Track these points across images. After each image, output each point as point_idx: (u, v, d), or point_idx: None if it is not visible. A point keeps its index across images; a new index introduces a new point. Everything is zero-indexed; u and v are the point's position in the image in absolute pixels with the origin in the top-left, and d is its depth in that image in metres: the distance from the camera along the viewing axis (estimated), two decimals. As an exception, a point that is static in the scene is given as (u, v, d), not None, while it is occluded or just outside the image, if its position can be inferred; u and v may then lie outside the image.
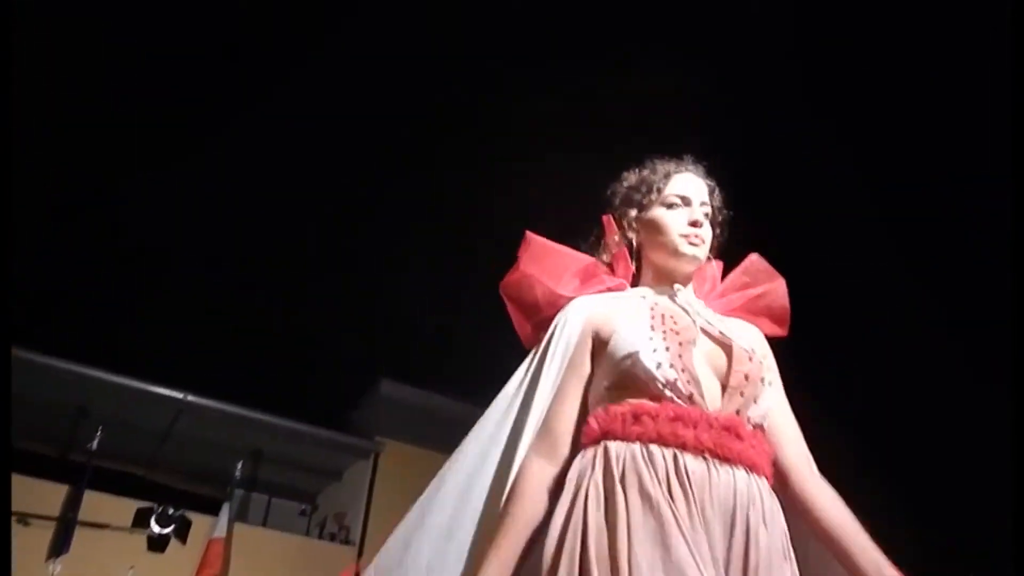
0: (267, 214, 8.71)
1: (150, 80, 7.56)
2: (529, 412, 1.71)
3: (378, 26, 7.30)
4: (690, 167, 1.88)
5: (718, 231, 1.87)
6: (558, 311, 1.82)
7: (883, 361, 8.34)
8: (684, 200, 1.80)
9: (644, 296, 1.78)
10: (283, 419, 9.06)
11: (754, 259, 1.94)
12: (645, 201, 1.83)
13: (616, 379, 1.62)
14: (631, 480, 1.49)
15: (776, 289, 1.91)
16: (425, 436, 9.33)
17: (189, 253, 9.12)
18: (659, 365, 1.58)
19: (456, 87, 7.62)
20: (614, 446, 1.55)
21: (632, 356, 1.60)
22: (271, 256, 9.04)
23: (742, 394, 1.60)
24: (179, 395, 8.50)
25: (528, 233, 1.91)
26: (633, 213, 1.84)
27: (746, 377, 1.62)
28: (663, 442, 1.52)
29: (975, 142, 6.89)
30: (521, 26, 7.13)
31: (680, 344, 1.62)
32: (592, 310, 1.75)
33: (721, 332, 1.71)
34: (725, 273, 1.94)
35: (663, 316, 1.68)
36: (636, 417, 1.56)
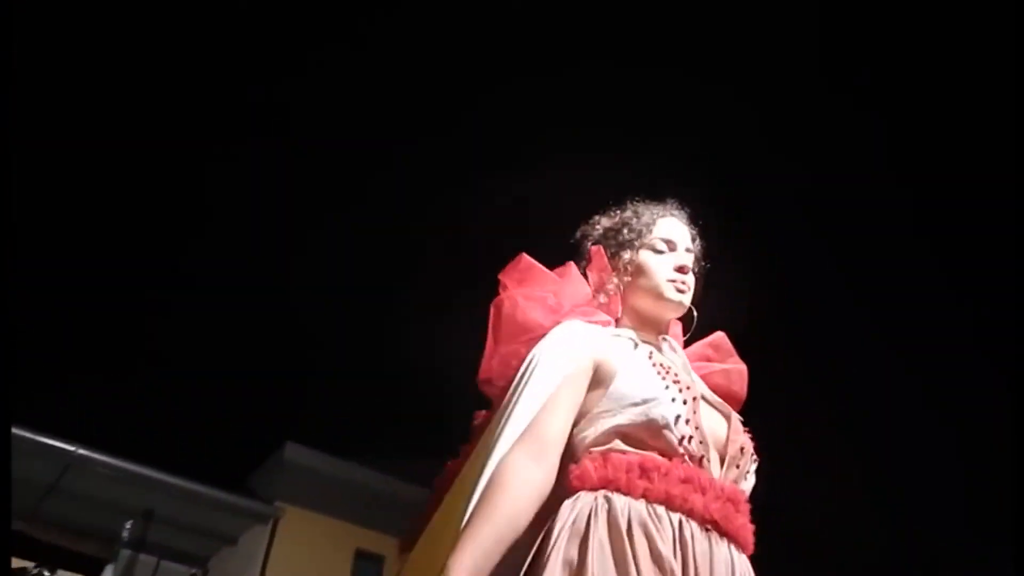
0: (173, 259, 8.48)
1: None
2: (511, 417, 1.54)
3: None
4: (674, 212, 1.84)
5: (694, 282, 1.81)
6: (545, 333, 1.68)
7: (881, 361, 8.23)
8: (670, 245, 1.76)
9: (635, 341, 1.68)
10: (178, 478, 8.68)
11: (721, 336, 1.90)
12: (628, 243, 1.77)
13: (622, 425, 1.49)
14: (641, 548, 1.35)
15: (738, 372, 1.85)
16: (328, 503, 9.09)
17: (85, 295, 8.80)
18: (678, 418, 1.48)
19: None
20: (618, 500, 1.41)
21: (650, 402, 1.49)
22: (178, 303, 8.78)
23: (738, 466, 1.53)
24: (69, 447, 8.08)
25: (523, 254, 1.81)
26: (627, 256, 1.77)
27: (741, 449, 1.55)
28: (671, 504, 1.41)
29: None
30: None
31: (694, 400, 1.54)
32: (595, 339, 1.64)
33: (715, 398, 1.65)
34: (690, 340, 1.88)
35: (662, 366, 1.59)
36: (644, 471, 1.43)
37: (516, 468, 1.44)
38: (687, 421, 1.49)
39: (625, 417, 1.50)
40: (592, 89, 7.07)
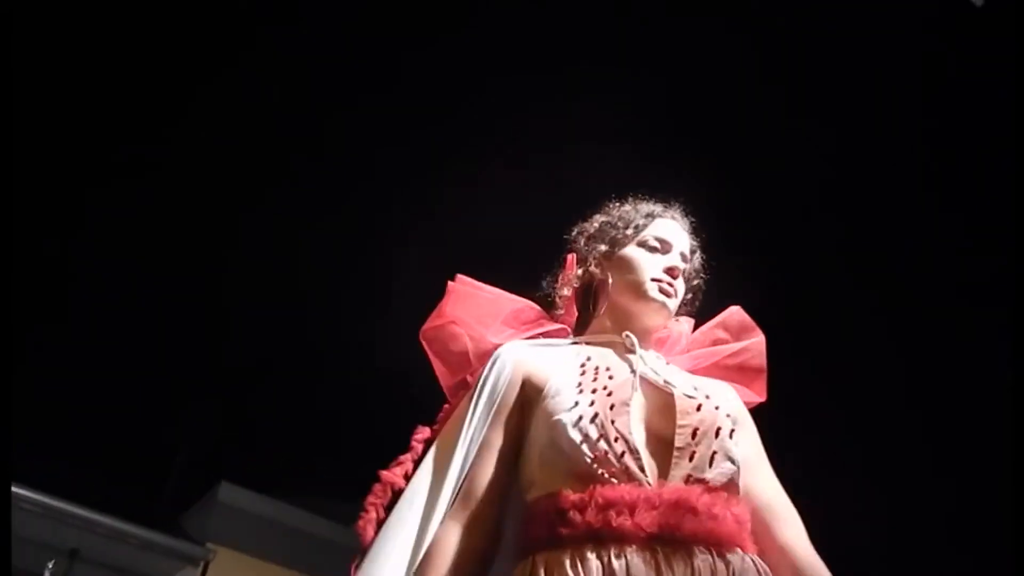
0: (110, 292, 8.26)
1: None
2: (448, 470, 1.47)
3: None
4: (676, 216, 1.71)
5: (689, 296, 1.69)
6: (488, 356, 1.58)
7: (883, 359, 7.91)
8: (663, 245, 1.63)
9: (580, 344, 1.58)
10: (106, 516, 8.41)
11: (734, 311, 1.73)
12: (619, 236, 1.63)
13: (542, 452, 1.41)
14: None
15: (754, 346, 1.69)
16: (262, 546, 8.91)
17: (6, 324, 8.53)
18: (586, 437, 1.34)
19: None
20: (542, 560, 1.29)
21: (555, 426, 1.38)
22: (108, 334, 8.54)
23: (692, 456, 1.35)
24: (-10, 482, 7.80)
25: (450, 283, 1.69)
26: (602, 248, 1.64)
27: (694, 434, 1.37)
28: (598, 541, 1.26)
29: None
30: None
31: (612, 407, 1.38)
32: (523, 353, 1.54)
33: (666, 381, 1.48)
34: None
35: (596, 369, 1.46)
36: (560, 515, 1.30)
37: (449, 542, 1.38)
38: (600, 435, 1.34)
39: (543, 445, 1.41)
40: (592, 85, 6.68)
